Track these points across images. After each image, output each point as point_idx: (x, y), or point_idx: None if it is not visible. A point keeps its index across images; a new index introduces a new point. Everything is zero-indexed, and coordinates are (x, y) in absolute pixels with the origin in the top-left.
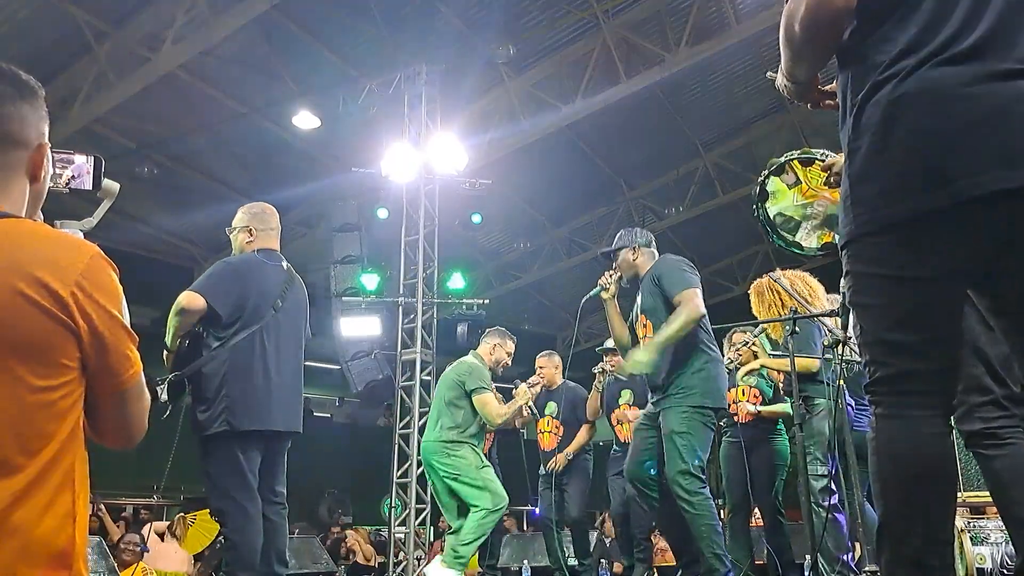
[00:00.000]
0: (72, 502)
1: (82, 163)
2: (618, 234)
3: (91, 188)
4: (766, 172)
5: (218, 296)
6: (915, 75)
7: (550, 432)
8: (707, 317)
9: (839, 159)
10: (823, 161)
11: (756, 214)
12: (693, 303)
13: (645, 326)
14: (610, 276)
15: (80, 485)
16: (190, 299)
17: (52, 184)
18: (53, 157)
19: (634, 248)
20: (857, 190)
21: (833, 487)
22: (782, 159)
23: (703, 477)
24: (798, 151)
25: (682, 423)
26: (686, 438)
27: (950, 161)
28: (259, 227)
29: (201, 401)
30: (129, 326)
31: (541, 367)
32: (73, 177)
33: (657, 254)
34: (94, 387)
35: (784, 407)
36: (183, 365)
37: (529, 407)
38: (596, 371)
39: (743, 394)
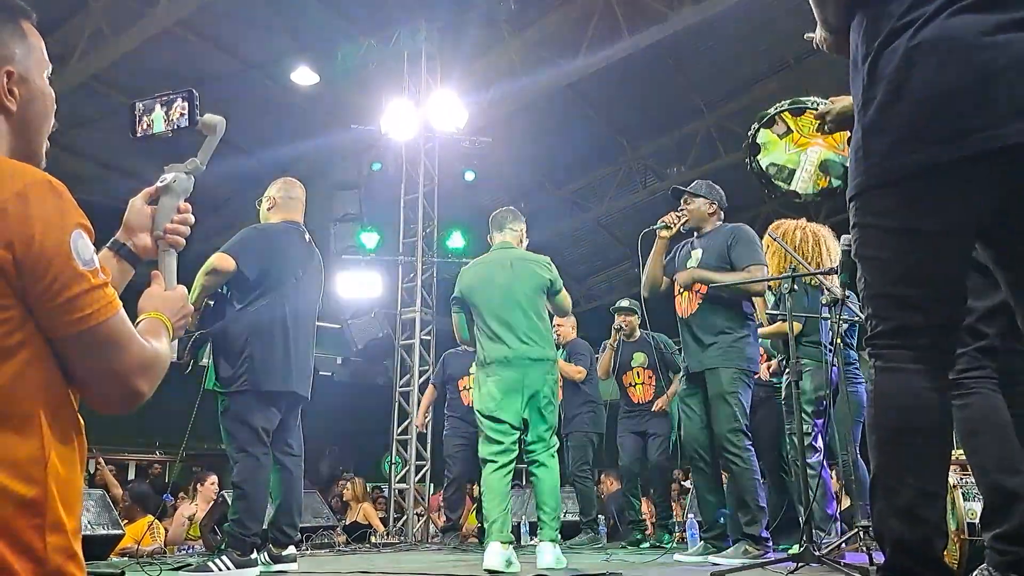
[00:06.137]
0: (41, 448)
1: (180, 102)
2: (696, 182)
3: (189, 125)
4: (756, 125)
5: (248, 260)
6: (934, 22)
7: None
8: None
9: (834, 106)
10: (815, 109)
11: (749, 167)
12: (757, 277)
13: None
14: (678, 217)
15: (52, 431)
16: (222, 260)
17: (161, 131)
18: (165, 100)
19: (712, 203)
20: (869, 141)
21: (818, 445)
22: (771, 111)
23: (750, 435)
24: (787, 101)
25: (732, 383)
26: (736, 397)
27: (967, 113)
28: (280, 198)
29: (224, 359)
30: (85, 262)
31: None
32: (181, 115)
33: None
34: (45, 328)
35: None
36: (206, 324)
37: None
38: (614, 328)
39: None
